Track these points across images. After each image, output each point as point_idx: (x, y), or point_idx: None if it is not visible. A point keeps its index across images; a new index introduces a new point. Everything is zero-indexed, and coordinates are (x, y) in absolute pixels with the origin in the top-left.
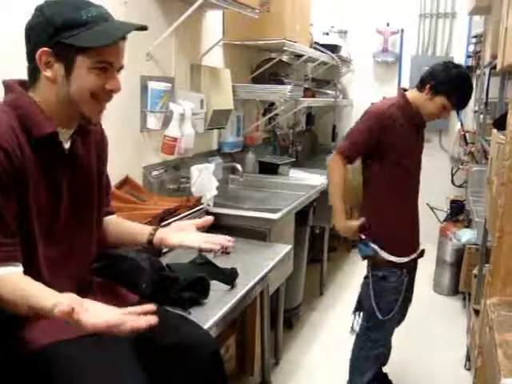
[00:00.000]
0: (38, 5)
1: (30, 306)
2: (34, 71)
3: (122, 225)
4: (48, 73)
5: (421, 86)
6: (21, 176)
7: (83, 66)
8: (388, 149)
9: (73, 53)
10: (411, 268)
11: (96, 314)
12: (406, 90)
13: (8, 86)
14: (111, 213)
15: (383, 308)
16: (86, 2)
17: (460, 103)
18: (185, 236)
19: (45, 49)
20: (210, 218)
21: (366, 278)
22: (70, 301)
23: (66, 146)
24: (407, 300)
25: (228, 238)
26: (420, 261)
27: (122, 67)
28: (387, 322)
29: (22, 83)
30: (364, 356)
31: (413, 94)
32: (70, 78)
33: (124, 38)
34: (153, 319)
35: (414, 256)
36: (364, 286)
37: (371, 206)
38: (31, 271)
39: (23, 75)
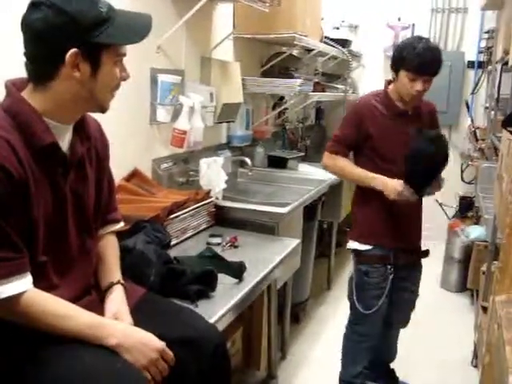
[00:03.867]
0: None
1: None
2: (46, 72)
3: (103, 255)
4: (76, 73)
5: (392, 75)
6: (22, 188)
7: (109, 62)
8: (367, 139)
9: (99, 50)
10: (404, 265)
11: None
12: (391, 82)
13: (6, 87)
14: (117, 220)
15: (365, 302)
16: None
17: (418, 65)
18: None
19: (74, 50)
20: None
21: (353, 271)
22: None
23: (65, 144)
24: (407, 301)
25: None
26: (428, 257)
27: None
28: (370, 317)
29: (18, 84)
30: (353, 347)
31: (392, 86)
32: (97, 75)
33: None
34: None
35: (393, 250)
36: (349, 278)
37: (355, 198)
38: (41, 278)
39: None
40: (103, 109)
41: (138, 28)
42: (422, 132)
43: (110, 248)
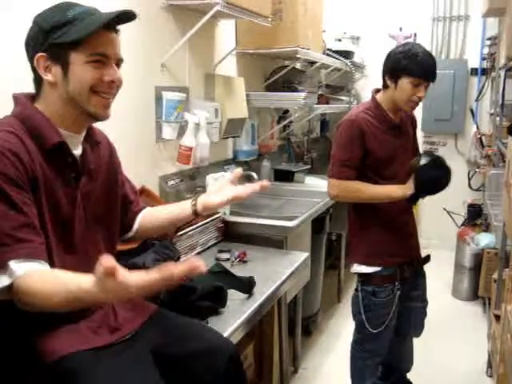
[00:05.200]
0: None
1: (68, 290)
2: (36, 80)
3: (158, 211)
4: (48, 77)
5: (384, 84)
6: (34, 181)
7: (78, 62)
8: (367, 155)
9: (65, 51)
10: (409, 276)
11: (139, 274)
12: (379, 90)
13: (14, 98)
14: (142, 209)
15: (374, 322)
16: (75, 3)
17: (423, 70)
18: (224, 193)
19: (40, 54)
20: (238, 170)
21: (356, 290)
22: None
23: (77, 152)
24: (419, 310)
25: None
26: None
27: (120, 60)
28: (380, 334)
29: (28, 96)
30: (362, 365)
31: (382, 95)
32: (68, 76)
33: (113, 29)
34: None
35: (402, 264)
36: (354, 299)
37: (353, 222)
38: None
39: (22, 85)
40: (95, 115)
41: (96, 22)
42: (427, 159)
43: (153, 211)
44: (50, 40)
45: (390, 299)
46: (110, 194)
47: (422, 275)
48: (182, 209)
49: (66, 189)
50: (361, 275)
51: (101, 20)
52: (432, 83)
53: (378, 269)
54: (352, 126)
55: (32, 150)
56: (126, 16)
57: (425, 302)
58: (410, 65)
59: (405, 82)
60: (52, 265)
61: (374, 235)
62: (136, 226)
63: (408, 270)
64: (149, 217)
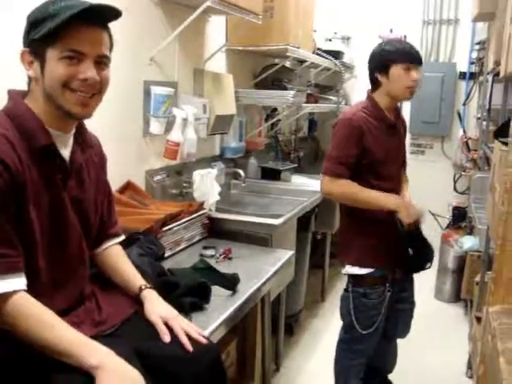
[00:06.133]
0: None
1: (52, 343)
2: (28, 76)
3: (118, 266)
4: (30, 72)
5: (375, 85)
6: (20, 188)
7: (53, 58)
8: (364, 157)
9: (43, 47)
10: (400, 278)
11: None
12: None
13: (8, 93)
14: (117, 235)
15: (363, 323)
16: None
17: (406, 54)
18: (154, 311)
19: (23, 49)
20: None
21: (346, 291)
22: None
23: (66, 152)
24: (407, 312)
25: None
26: None
27: (103, 57)
28: (369, 335)
29: (20, 92)
30: (348, 365)
31: (375, 95)
32: (44, 72)
33: (94, 25)
34: None
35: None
36: (344, 299)
37: (347, 223)
38: (32, 282)
39: (22, 85)
40: (69, 112)
41: (71, 13)
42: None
43: (121, 256)
44: (31, 35)
45: (380, 300)
46: (95, 198)
47: (410, 277)
48: (131, 285)
49: (52, 190)
50: (352, 276)
51: (71, 13)
52: (420, 66)
53: (370, 270)
54: (350, 124)
55: (20, 151)
56: (108, 10)
57: (413, 303)
58: (394, 53)
59: (395, 70)
60: (37, 267)
61: (368, 237)
62: (100, 249)
63: (399, 271)
64: (113, 259)
